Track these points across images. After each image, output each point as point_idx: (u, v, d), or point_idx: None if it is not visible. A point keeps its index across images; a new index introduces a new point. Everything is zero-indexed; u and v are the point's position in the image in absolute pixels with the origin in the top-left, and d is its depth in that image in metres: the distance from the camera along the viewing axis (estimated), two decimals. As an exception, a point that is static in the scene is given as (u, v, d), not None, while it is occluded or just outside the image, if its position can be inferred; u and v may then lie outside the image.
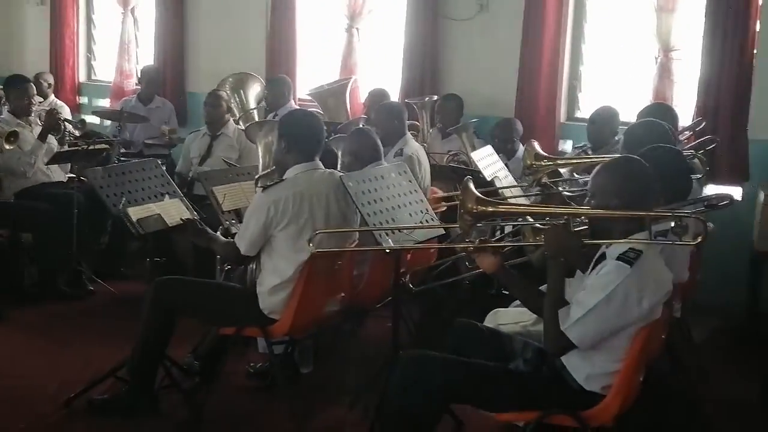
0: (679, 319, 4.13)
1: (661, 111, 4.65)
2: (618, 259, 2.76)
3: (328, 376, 4.40)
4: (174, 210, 4.25)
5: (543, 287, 3.01)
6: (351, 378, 4.16)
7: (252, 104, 6.98)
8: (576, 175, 4.50)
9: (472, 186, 3.03)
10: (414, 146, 5.28)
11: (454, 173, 5.47)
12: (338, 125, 5.90)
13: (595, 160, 3.50)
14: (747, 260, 5.38)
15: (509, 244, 3.32)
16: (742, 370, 4.69)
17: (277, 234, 3.66)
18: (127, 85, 8.34)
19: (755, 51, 5.54)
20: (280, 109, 6.46)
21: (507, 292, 4.11)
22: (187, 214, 4.21)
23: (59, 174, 5.93)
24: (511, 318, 3.50)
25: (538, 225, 3.31)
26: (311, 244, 3.46)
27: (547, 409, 2.89)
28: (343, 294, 3.95)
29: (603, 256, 2.88)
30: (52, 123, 5.63)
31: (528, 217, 3.46)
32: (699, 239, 2.90)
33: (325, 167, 3.90)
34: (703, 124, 5.41)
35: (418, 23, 6.68)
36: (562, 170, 4.63)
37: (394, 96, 6.72)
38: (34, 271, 5.59)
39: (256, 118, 6.75)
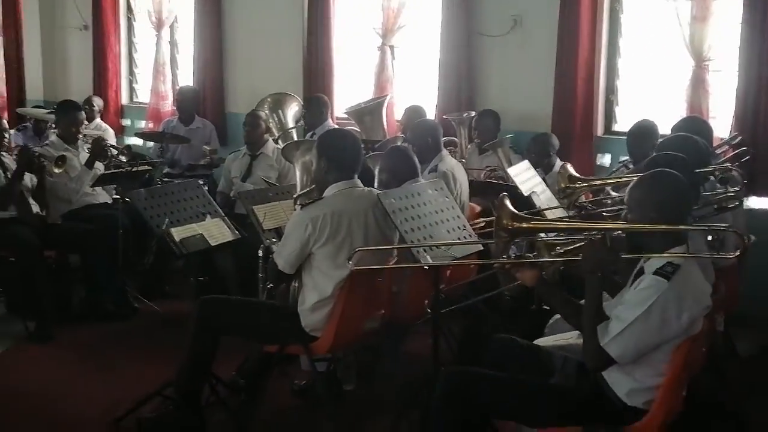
0: (722, 333, 4.11)
1: (695, 124, 4.63)
2: (655, 273, 2.77)
3: (371, 393, 4.44)
4: (216, 229, 4.34)
5: (581, 302, 3.02)
6: (393, 395, 4.19)
7: (290, 123, 7.06)
8: (612, 193, 4.50)
9: (507, 202, 3.04)
10: (450, 163, 5.31)
11: (491, 189, 5.49)
12: (375, 143, 5.95)
13: (630, 178, 3.50)
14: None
15: (546, 260, 3.31)
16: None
17: (316, 251, 3.70)
18: (163, 107, 8.50)
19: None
20: (318, 128, 6.53)
21: (547, 308, 4.12)
22: (228, 234, 4.29)
23: (104, 196, 6.08)
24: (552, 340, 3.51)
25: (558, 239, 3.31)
26: (351, 262, 3.49)
27: (589, 424, 2.90)
28: (383, 311, 3.98)
29: (641, 271, 2.89)
30: (98, 151, 5.76)
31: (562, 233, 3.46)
32: (738, 252, 2.89)
33: (363, 184, 3.95)
34: (739, 138, 5.33)
35: (452, 40, 6.72)
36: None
37: (431, 112, 6.77)
38: (81, 291, 5.71)
39: (295, 137, 6.83)
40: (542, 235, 3.36)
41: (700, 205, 3.49)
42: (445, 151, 5.44)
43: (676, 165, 3.37)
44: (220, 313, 3.91)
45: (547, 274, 3.67)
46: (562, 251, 3.33)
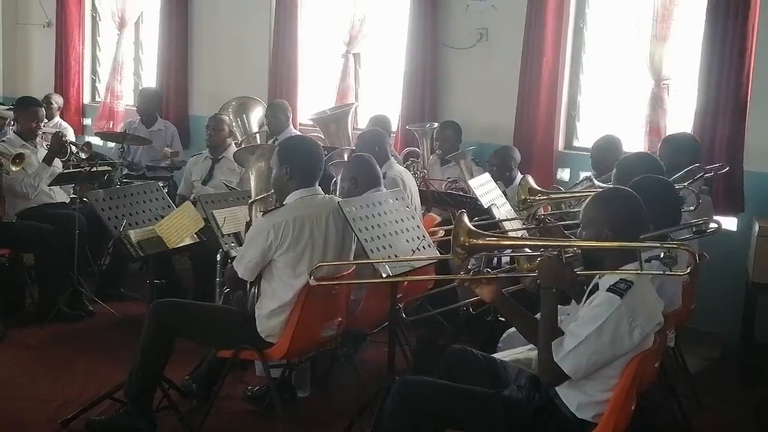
0: (673, 348, 4.17)
1: (686, 141, 4.77)
2: (609, 290, 2.80)
3: (325, 400, 4.44)
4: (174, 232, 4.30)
5: (537, 315, 3.05)
6: (347, 402, 4.19)
7: (254, 128, 7.00)
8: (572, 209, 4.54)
9: (465, 219, 3.03)
10: (398, 169, 5.37)
11: (452, 200, 5.52)
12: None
13: (589, 193, 3.54)
14: (742, 291, 5.42)
15: (504, 275, 3.34)
16: (736, 400, 4.71)
17: (277, 259, 3.68)
18: (116, 106, 8.42)
19: (750, 82, 5.57)
20: (281, 134, 6.51)
21: (503, 319, 4.15)
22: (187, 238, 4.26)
23: (62, 195, 6.00)
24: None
25: (532, 253, 3.34)
26: (312, 277, 3.48)
27: (539, 436, 2.93)
28: (340, 319, 3.98)
29: (596, 287, 2.92)
30: (57, 146, 5.68)
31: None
32: (689, 269, 2.93)
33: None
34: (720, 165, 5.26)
35: (418, 50, 6.76)
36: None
37: (394, 122, 6.79)
38: (35, 291, 5.63)
39: (258, 142, 6.80)
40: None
41: (680, 228, 3.56)
42: (392, 159, 5.49)
43: (658, 187, 3.44)
44: (175, 316, 3.87)
45: (525, 284, 3.71)
46: None
